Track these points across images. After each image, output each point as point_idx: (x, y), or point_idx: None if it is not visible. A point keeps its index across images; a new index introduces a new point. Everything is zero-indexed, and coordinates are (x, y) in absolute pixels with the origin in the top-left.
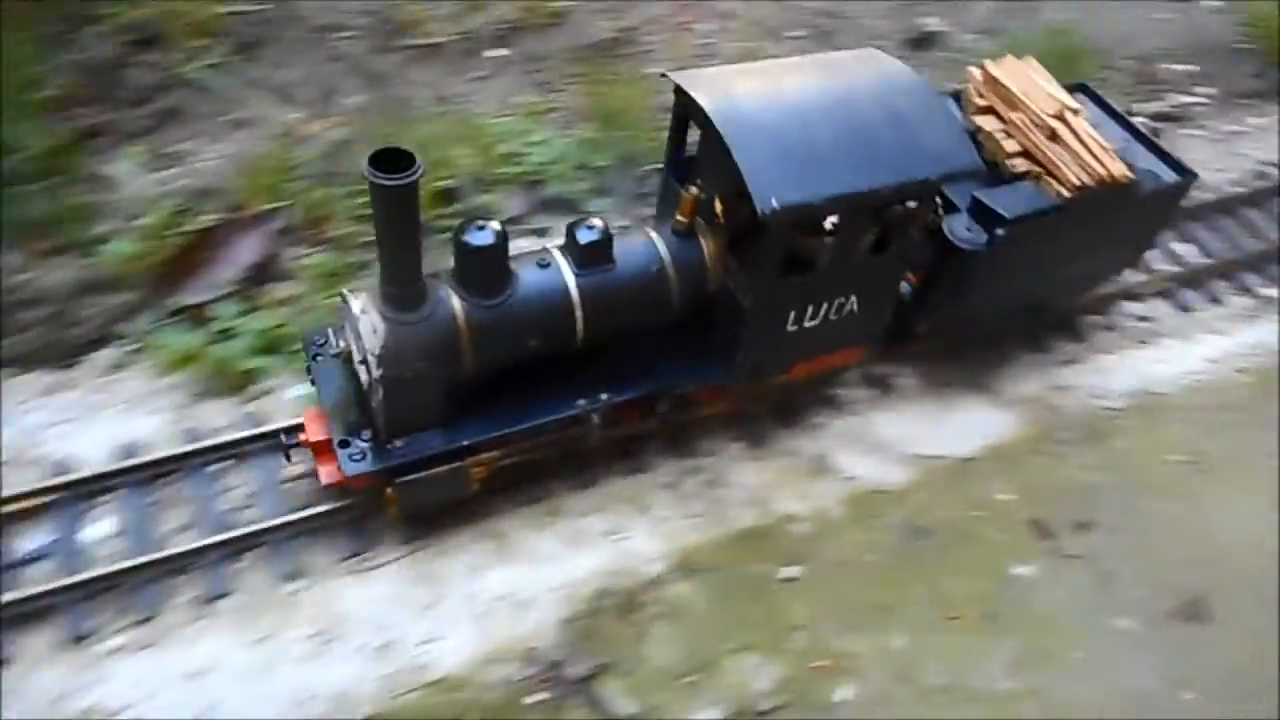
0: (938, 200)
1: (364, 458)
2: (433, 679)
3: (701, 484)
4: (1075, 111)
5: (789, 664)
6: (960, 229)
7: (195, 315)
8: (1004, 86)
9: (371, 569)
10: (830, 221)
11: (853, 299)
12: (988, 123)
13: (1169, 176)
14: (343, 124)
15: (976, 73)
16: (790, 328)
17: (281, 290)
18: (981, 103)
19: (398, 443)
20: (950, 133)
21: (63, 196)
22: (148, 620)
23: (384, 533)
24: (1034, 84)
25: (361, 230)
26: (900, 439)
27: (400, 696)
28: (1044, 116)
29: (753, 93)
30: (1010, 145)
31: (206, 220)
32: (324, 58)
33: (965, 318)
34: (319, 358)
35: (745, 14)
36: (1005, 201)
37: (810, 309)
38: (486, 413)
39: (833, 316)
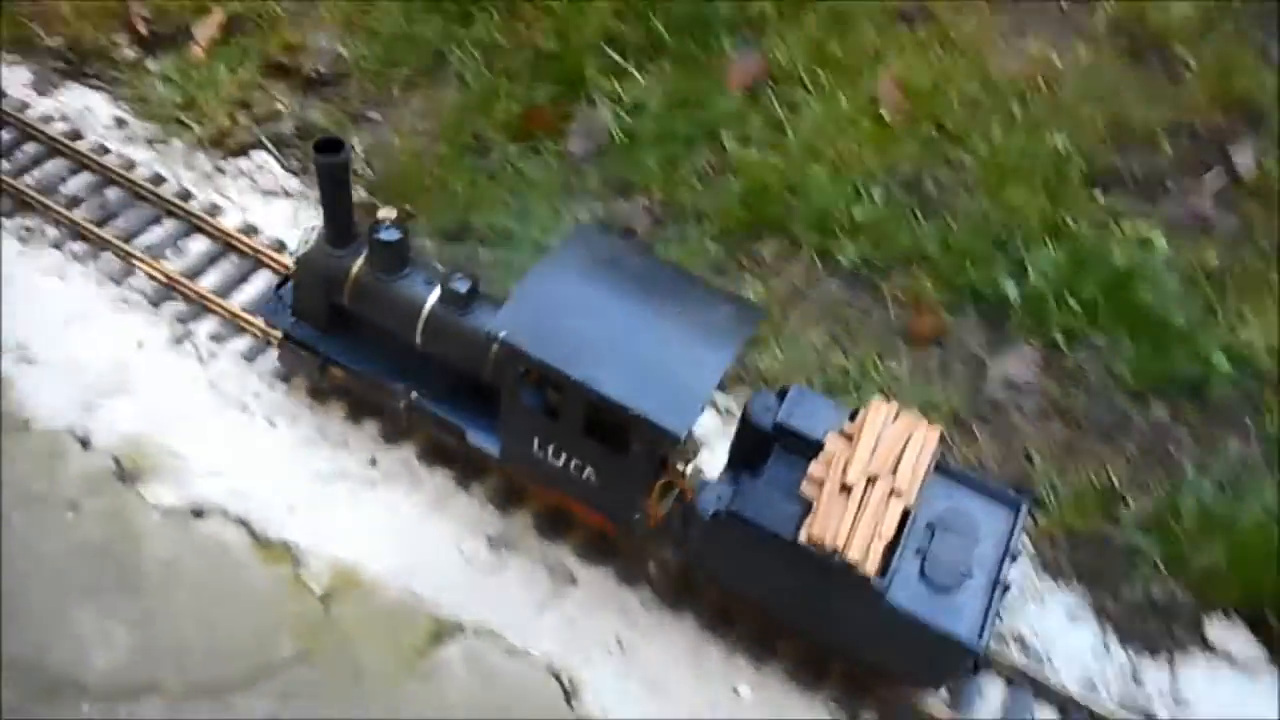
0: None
1: (273, 313)
2: None
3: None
4: (895, 493)
5: None
6: (712, 478)
7: None
8: (864, 430)
9: None
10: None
11: (589, 470)
12: (833, 443)
13: (958, 630)
14: None
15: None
16: (536, 451)
17: None
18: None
19: (295, 320)
20: (699, 385)
21: None
22: None
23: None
24: (896, 440)
25: None
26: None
27: None
28: (855, 469)
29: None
30: (816, 469)
31: None
32: None
33: (695, 569)
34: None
35: None
36: (748, 499)
37: (552, 448)
38: (348, 344)
39: (573, 471)
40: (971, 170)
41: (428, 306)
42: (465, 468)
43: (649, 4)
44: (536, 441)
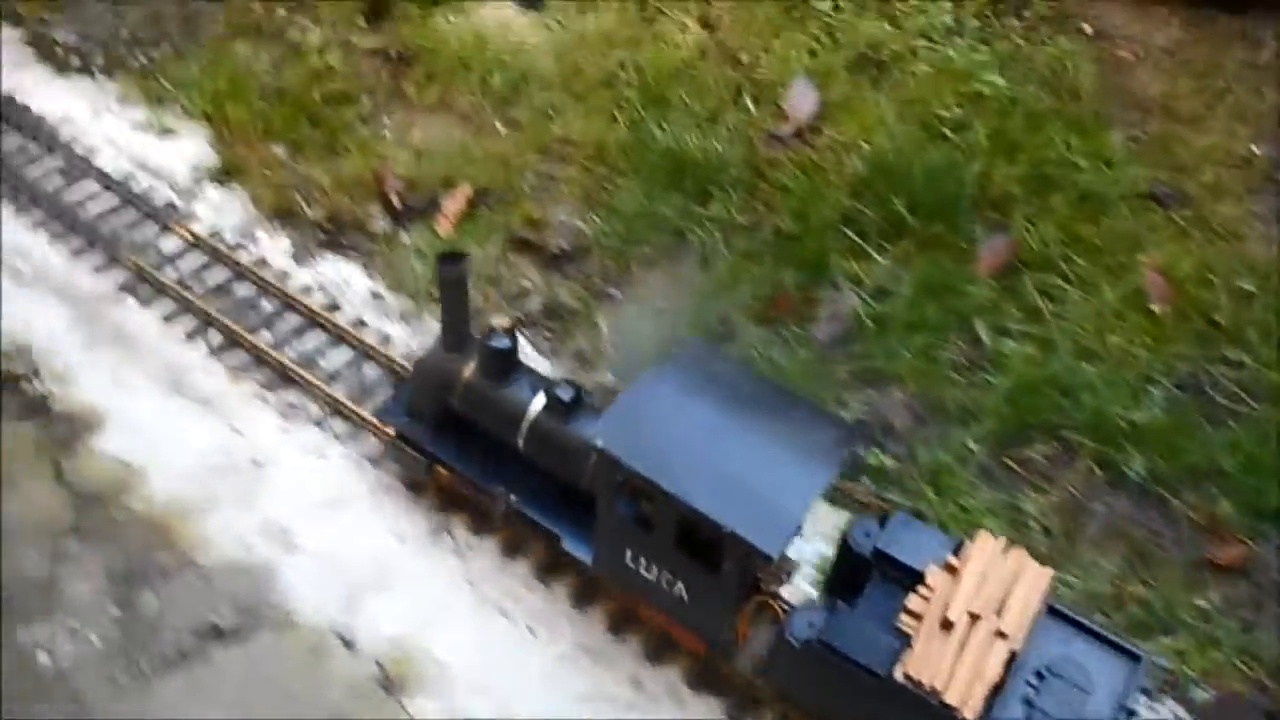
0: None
1: (390, 413)
2: None
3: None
4: (1000, 634)
5: None
6: (806, 605)
7: None
8: (969, 564)
9: None
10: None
11: (679, 586)
12: (935, 575)
13: None
14: None
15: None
16: (629, 563)
17: None
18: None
19: (408, 420)
20: (794, 505)
21: None
22: None
23: None
24: (1004, 578)
25: None
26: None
27: None
28: (958, 605)
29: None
30: (916, 603)
31: None
32: None
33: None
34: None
35: None
36: (842, 629)
37: (644, 560)
38: (456, 445)
39: (664, 585)
40: (1252, 371)
41: (531, 412)
42: (741, 696)
43: (888, 184)
44: (629, 553)
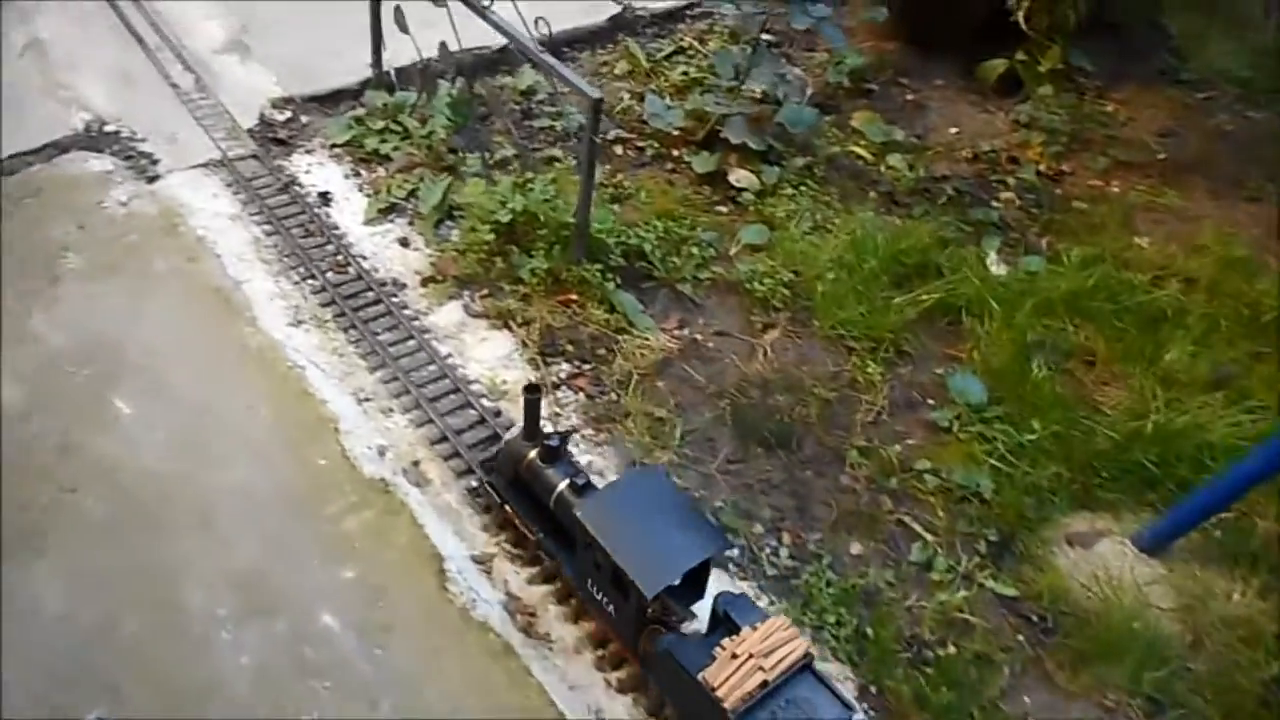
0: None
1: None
2: None
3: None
4: (761, 668)
5: None
6: (679, 634)
7: None
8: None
9: None
10: None
11: (612, 608)
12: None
13: None
14: None
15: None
16: (589, 588)
17: None
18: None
19: (495, 476)
20: (672, 571)
21: None
22: None
23: None
24: (780, 640)
25: None
26: None
27: None
28: (744, 647)
29: None
30: (724, 642)
31: None
32: None
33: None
34: None
35: None
36: (686, 648)
37: (595, 587)
38: (518, 499)
39: (606, 606)
40: None
41: (559, 488)
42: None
43: None
44: (589, 581)
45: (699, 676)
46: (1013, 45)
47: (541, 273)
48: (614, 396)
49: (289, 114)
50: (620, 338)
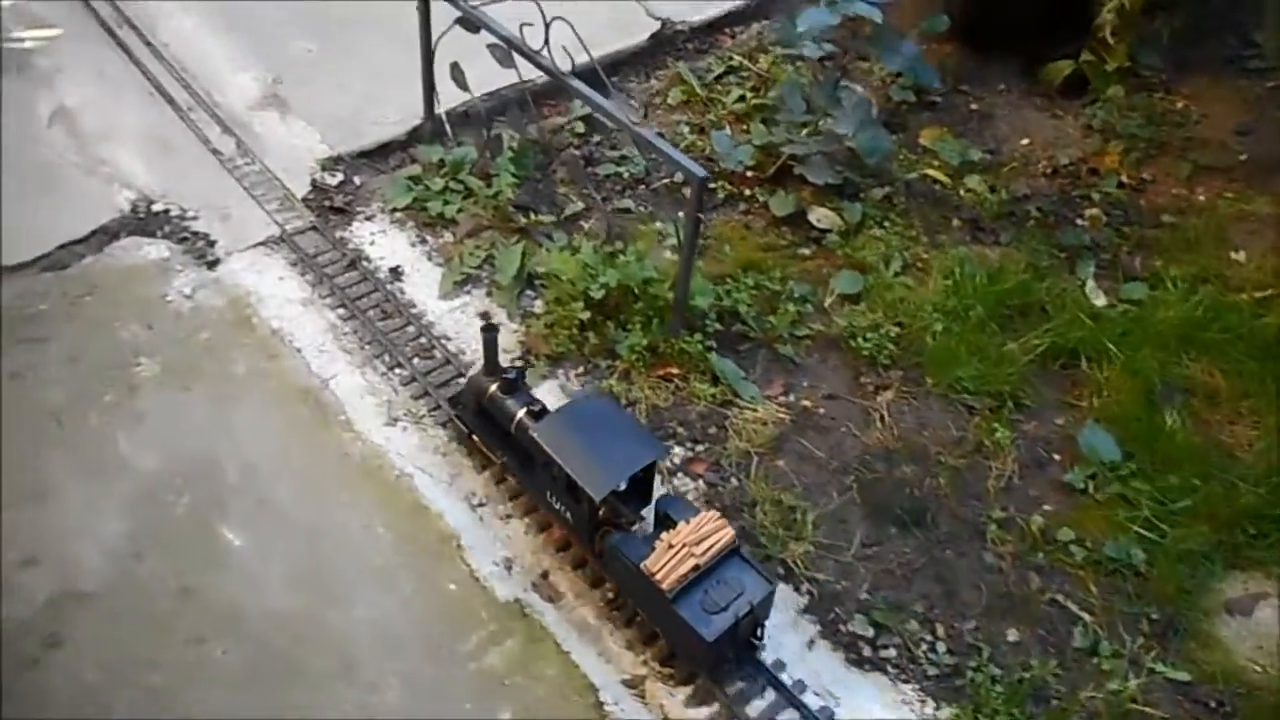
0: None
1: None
2: None
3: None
4: (693, 555)
5: None
6: (627, 533)
7: None
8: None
9: None
10: None
11: (569, 513)
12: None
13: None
14: None
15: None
16: (548, 498)
17: None
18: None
19: (461, 408)
20: (617, 477)
21: None
22: None
23: None
24: (712, 531)
25: None
26: None
27: None
28: (679, 539)
29: None
30: (663, 536)
31: None
32: None
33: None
34: None
35: None
36: (631, 543)
37: (552, 495)
38: (483, 427)
39: (563, 511)
40: None
41: (518, 416)
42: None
43: None
44: (548, 492)
45: (640, 565)
46: (1072, 40)
47: (640, 349)
48: (735, 482)
49: (340, 176)
50: (728, 411)
